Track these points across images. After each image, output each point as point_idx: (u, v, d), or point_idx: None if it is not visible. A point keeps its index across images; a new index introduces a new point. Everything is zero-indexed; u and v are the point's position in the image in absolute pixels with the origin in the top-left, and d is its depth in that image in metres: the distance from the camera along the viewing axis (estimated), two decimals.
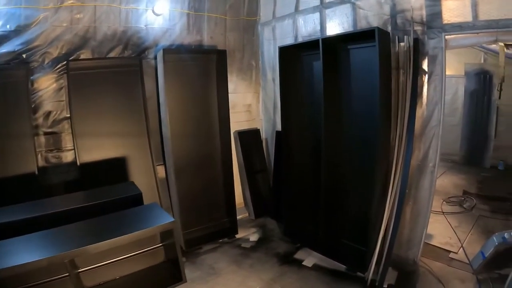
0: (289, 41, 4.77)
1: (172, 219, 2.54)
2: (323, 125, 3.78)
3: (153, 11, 4.29)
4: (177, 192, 4.16)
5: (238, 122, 5.20)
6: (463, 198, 5.79)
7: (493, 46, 6.37)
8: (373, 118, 3.32)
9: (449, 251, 4.06)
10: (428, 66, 3.51)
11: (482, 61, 7.67)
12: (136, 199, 3.03)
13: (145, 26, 4.26)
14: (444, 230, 4.63)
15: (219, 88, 4.53)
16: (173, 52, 4.33)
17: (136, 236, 2.39)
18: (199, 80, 4.44)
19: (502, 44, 5.85)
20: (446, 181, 6.81)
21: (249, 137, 5.26)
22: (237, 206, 4.87)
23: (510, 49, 6.05)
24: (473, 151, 7.94)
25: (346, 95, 3.77)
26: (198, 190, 4.46)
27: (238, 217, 4.96)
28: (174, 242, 2.58)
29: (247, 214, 5.32)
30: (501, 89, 6.95)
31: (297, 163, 4.45)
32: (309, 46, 3.84)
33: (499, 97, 7.09)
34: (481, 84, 7.59)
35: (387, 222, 3.57)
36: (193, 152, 4.40)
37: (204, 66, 4.46)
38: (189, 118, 4.36)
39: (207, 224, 4.52)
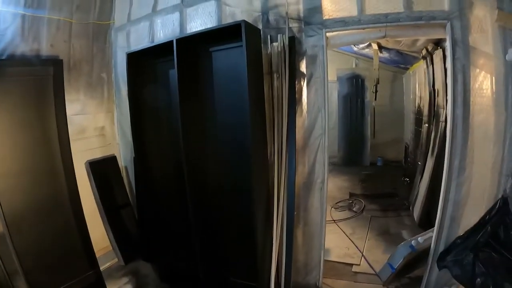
0: None
1: None
2: (183, 147, 3.07)
3: None
4: (15, 249, 3.06)
5: (90, 149, 4.16)
6: (350, 201, 5.77)
7: (366, 51, 6.56)
8: (244, 132, 2.77)
9: (351, 264, 3.85)
10: (306, 67, 3.13)
11: (354, 66, 8.03)
12: None
13: None
14: (340, 241, 4.43)
15: (57, 109, 3.51)
16: None
17: None
18: (30, 100, 3.36)
19: (376, 47, 6.01)
20: (330, 185, 6.71)
21: (105, 167, 4.24)
22: (104, 251, 3.96)
23: (383, 53, 6.24)
24: (351, 152, 8.30)
25: (210, 107, 3.14)
26: (47, 242, 3.35)
27: (105, 265, 3.99)
28: None
29: (116, 260, 4.25)
30: (376, 91, 7.18)
31: (160, 193, 3.69)
32: (165, 51, 3.10)
33: (375, 99, 7.35)
34: (354, 88, 7.98)
35: (278, 250, 3.04)
36: (31, 194, 3.28)
37: (35, 83, 3.40)
38: (20, 152, 3.25)
39: (66, 283, 3.43)
